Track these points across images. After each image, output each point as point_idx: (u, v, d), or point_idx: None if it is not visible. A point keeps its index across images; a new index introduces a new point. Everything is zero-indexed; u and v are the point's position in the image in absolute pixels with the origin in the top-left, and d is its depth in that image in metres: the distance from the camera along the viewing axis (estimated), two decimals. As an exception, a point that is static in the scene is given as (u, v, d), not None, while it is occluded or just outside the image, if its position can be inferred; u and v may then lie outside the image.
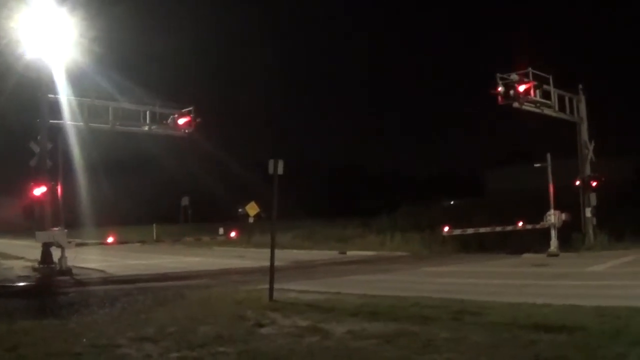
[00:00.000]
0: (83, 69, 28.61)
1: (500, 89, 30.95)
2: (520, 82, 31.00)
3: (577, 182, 35.01)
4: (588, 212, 34.65)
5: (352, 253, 38.17)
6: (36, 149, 27.49)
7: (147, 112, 32.66)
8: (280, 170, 18.18)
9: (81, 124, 29.96)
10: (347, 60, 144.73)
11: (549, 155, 33.24)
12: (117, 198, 67.65)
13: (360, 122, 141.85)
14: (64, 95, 28.48)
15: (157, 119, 33.03)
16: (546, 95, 32.79)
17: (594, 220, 34.52)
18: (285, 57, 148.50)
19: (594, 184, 34.74)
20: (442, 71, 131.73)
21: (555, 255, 31.16)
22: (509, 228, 33.67)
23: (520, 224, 33.67)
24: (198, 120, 33.22)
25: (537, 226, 33.02)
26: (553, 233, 32.15)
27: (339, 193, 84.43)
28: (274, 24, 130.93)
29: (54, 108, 28.40)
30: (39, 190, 27.22)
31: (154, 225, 50.90)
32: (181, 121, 33.02)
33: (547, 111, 33.38)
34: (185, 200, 62.89)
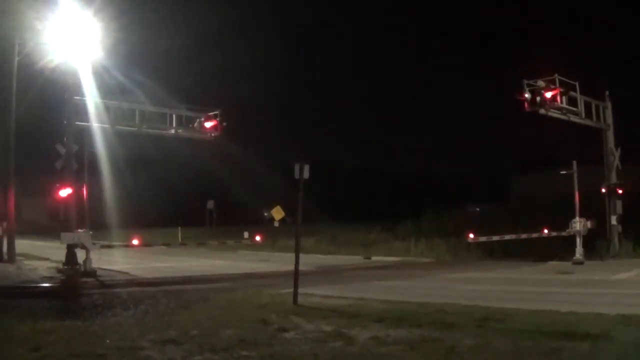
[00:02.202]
0: (109, 71, 28.78)
1: (526, 95, 30.83)
2: (547, 89, 30.89)
3: (603, 190, 34.79)
4: (614, 220, 34.42)
5: (376, 258, 38.03)
6: (62, 150, 27.63)
7: (174, 115, 32.83)
8: (306, 175, 18.18)
9: (107, 126, 30.10)
10: (370, 64, 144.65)
11: (574, 163, 33.04)
12: (142, 200, 67.85)
13: (383, 126, 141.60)
14: (90, 98, 28.63)
15: (183, 122, 33.19)
16: (572, 101, 32.64)
17: (620, 228, 34.29)
18: (309, 62, 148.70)
19: (620, 191, 34.50)
20: (466, 75, 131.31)
21: (580, 262, 30.96)
22: (534, 235, 33.51)
23: (546, 231, 33.49)
24: (224, 123, 33.32)
25: (563, 233, 32.82)
26: (578, 241, 31.93)
27: (361, 197, 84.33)
28: (298, 28, 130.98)
29: (80, 110, 28.56)
30: (64, 192, 27.37)
31: (179, 228, 51.01)
32: (208, 124, 33.15)
33: (573, 118, 33.21)
34: (210, 204, 62.92)
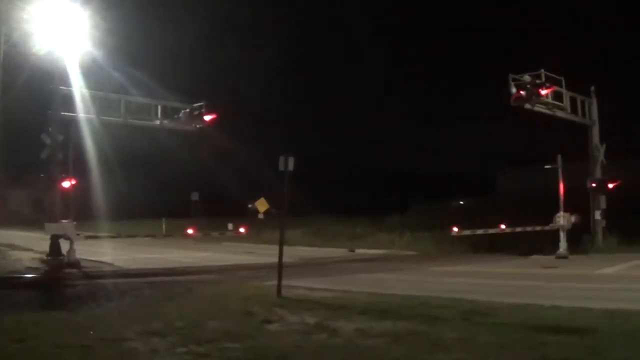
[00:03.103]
0: (95, 62, 28.66)
1: (512, 89, 30.93)
2: (533, 84, 30.97)
3: (593, 184, 34.88)
4: (598, 215, 34.59)
5: (361, 251, 38.14)
6: (47, 140, 27.55)
7: (159, 106, 32.74)
8: (290, 167, 18.20)
9: (93, 116, 29.99)
10: (358, 59, 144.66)
11: (559, 157, 33.16)
12: (127, 191, 67.70)
13: (371, 120, 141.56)
14: (77, 88, 28.50)
15: (169, 113, 33.10)
16: (558, 97, 32.76)
17: (604, 223, 34.46)
18: (298, 54, 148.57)
19: (610, 186, 34.62)
20: (453, 70, 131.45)
21: (564, 257, 31.09)
22: (519, 229, 33.60)
23: (530, 226, 33.57)
24: (210, 115, 33.26)
25: (547, 228, 32.92)
26: (562, 235, 32.06)
27: (348, 191, 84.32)
28: (288, 20, 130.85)
29: (66, 100, 28.45)
30: (49, 183, 27.29)
31: (163, 219, 50.94)
32: (193, 116, 33.08)
33: (558, 113, 33.33)
34: (195, 195, 62.73)
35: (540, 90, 30.93)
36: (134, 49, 39.39)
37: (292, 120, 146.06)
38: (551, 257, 30.88)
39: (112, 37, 28.48)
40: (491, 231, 33.58)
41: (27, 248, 34.73)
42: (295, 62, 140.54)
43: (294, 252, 30.85)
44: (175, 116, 33.18)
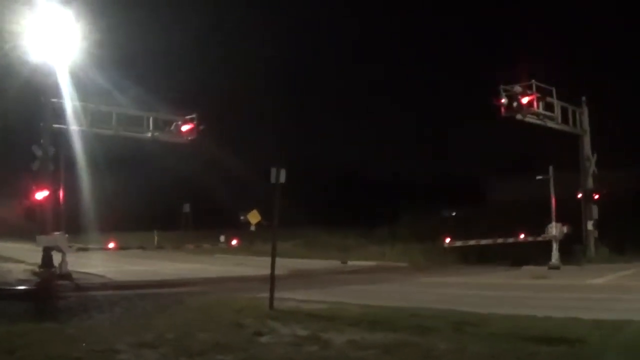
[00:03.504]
0: (87, 73, 28.68)
1: (503, 100, 31.06)
2: (524, 94, 31.14)
3: (580, 195, 34.99)
4: (590, 225, 34.69)
5: (352, 263, 38.05)
6: (38, 152, 27.52)
7: (151, 119, 32.81)
8: (282, 179, 18.17)
9: (85, 128, 29.99)
10: (347, 67, 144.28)
11: (551, 168, 33.23)
12: (118, 203, 67.59)
13: (360, 129, 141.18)
14: (68, 100, 28.53)
15: (160, 125, 33.16)
16: (549, 107, 32.88)
17: (596, 233, 34.58)
18: (288, 64, 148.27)
19: (596, 196, 34.72)
20: (446, 79, 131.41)
21: (556, 267, 31.13)
22: (510, 240, 33.63)
23: (522, 236, 33.60)
24: (201, 127, 33.38)
25: (539, 238, 32.97)
26: (554, 245, 32.11)
27: (339, 201, 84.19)
28: (279, 29, 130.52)
29: (58, 112, 28.48)
30: (40, 194, 27.29)
31: (155, 231, 50.91)
32: (184, 128, 33.21)
33: (550, 123, 33.44)
34: (186, 207, 62.80)
35: (520, 98, 31.01)
36: (125, 60, 39.35)
37: (280, 131, 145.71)
38: (543, 268, 30.86)
39: (102, 49, 28.52)
40: (483, 242, 33.59)
41: (18, 260, 34.67)
42: (282, 70, 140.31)
43: (286, 264, 30.74)
44: (167, 128, 33.23)
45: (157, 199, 75.37)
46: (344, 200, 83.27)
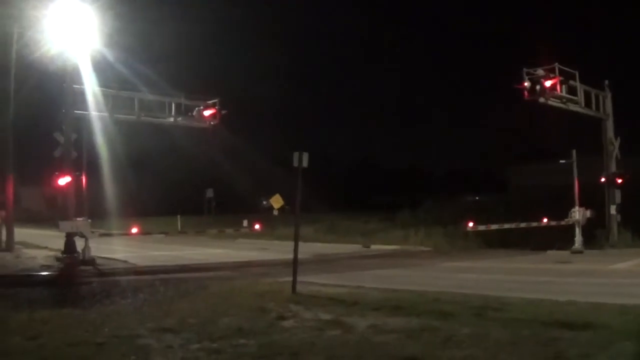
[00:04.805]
0: (108, 60, 28.74)
1: (526, 84, 30.83)
2: (547, 78, 30.88)
3: (603, 179, 34.78)
4: (612, 210, 34.45)
5: (375, 247, 37.97)
6: (60, 139, 27.60)
7: (173, 104, 32.78)
8: (305, 163, 18.12)
9: (106, 114, 30.05)
10: (366, 55, 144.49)
11: (574, 152, 33.03)
12: (141, 189, 67.79)
13: (379, 117, 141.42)
14: (89, 86, 28.54)
15: (182, 110, 33.13)
16: (572, 91, 32.60)
17: (619, 218, 34.34)
18: (307, 52, 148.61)
19: (619, 181, 34.49)
20: (466, 65, 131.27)
21: (579, 252, 31.01)
22: (534, 224, 33.48)
23: (545, 220, 33.44)
24: (223, 112, 33.36)
25: (562, 223, 32.80)
26: (577, 230, 31.97)
27: (361, 188, 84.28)
28: (297, 18, 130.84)
29: (79, 99, 28.47)
30: (63, 181, 27.33)
31: (178, 216, 51.05)
32: (206, 113, 33.17)
33: (573, 107, 33.17)
34: (209, 192, 62.93)
35: (543, 82, 30.81)
36: (145, 47, 39.42)
37: (302, 117, 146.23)
38: (566, 252, 30.81)
39: (123, 36, 28.58)
40: (506, 226, 33.44)
41: (41, 246, 34.74)
42: (304, 61, 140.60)
43: (308, 249, 30.76)
44: (189, 113, 33.23)
45: (180, 184, 75.66)
46: (367, 188, 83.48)
